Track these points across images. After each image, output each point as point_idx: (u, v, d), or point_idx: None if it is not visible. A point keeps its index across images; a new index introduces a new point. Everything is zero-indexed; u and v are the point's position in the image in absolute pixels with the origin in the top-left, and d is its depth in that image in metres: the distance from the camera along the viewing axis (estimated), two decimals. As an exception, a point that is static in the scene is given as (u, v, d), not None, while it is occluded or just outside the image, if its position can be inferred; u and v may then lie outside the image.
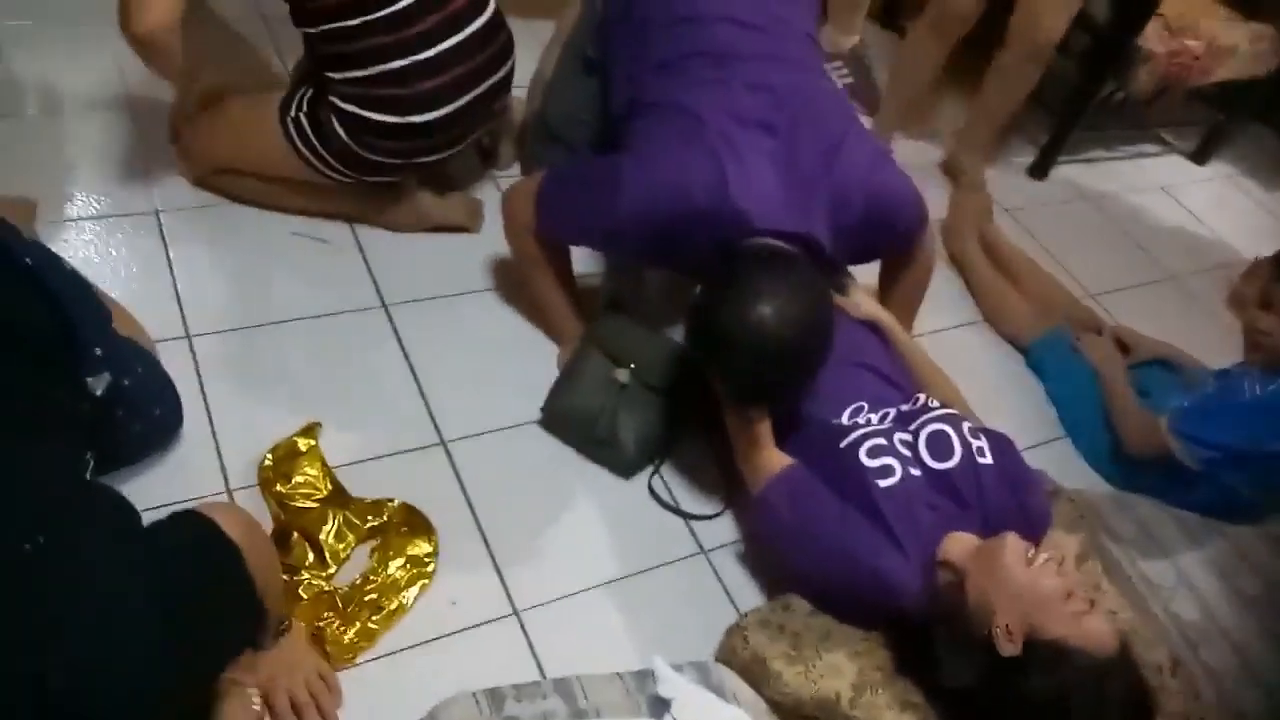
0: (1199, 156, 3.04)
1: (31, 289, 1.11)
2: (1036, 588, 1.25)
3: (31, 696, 0.83)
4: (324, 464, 1.46)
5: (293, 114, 1.68)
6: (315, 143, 1.68)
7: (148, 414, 1.36)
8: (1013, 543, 1.31)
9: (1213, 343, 2.16)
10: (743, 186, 1.45)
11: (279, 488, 1.41)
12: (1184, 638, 1.59)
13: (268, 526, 1.37)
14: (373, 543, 1.42)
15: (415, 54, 1.62)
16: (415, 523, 1.44)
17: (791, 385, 1.48)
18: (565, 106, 1.87)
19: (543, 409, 1.64)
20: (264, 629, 1.16)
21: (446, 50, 1.65)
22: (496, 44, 1.74)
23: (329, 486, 1.44)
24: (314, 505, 1.41)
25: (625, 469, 1.63)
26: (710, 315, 1.42)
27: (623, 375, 1.64)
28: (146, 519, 1.33)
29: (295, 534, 1.37)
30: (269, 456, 1.44)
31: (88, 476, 1.13)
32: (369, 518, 1.42)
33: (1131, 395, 1.90)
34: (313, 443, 1.48)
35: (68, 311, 1.14)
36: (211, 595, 1.01)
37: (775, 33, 1.61)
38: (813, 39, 1.70)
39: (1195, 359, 2.04)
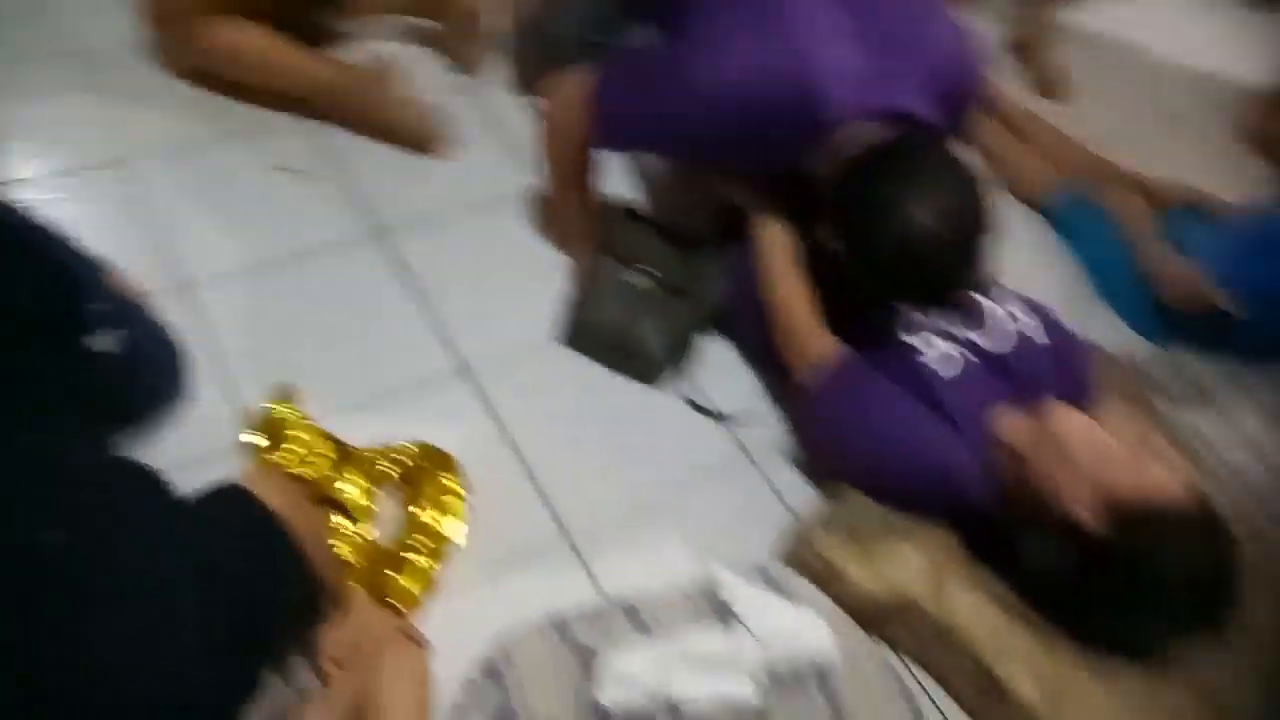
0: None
1: (21, 254, 1.02)
2: (1099, 455, 1.20)
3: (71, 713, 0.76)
4: (312, 424, 1.34)
5: None
6: None
7: (156, 365, 1.28)
8: (1065, 414, 1.26)
9: (1227, 183, 2.06)
10: (827, 65, 1.30)
11: (274, 460, 1.28)
12: (1246, 491, 1.55)
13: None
14: (396, 488, 1.35)
15: None
16: (435, 458, 1.35)
17: (971, 272, 1.36)
18: (569, 25, 1.72)
19: (562, 325, 1.56)
20: (325, 604, 1.10)
21: None
22: None
23: (326, 445, 1.32)
24: (319, 465, 1.29)
25: (654, 375, 1.56)
26: (865, 240, 1.29)
27: (642, 281, 1.55)
28: (178, 481, 1.28)
29: (315, 500, 1.29)
30: (250, 432, 1.32)
31: (106, 446, 1.05)
32: (385, 463, 1.34)
33: (1164, 247, 1.82)
34: (292, 404, 1.36)
35: (61, 273, 1.05)
36: (265, 581, 0.94)
37: None
38: None
39: (1222, 200, 1.96)
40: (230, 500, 0.98)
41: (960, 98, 1.45)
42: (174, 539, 0.86)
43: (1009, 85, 2.31)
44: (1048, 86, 2.36)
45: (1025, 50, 2.42)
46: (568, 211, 1.64)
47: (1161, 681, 1.24)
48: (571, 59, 1.68)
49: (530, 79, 1.88)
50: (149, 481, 0.95)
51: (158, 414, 1.31)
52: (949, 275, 1.32)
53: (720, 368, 1.62)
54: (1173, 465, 1.27)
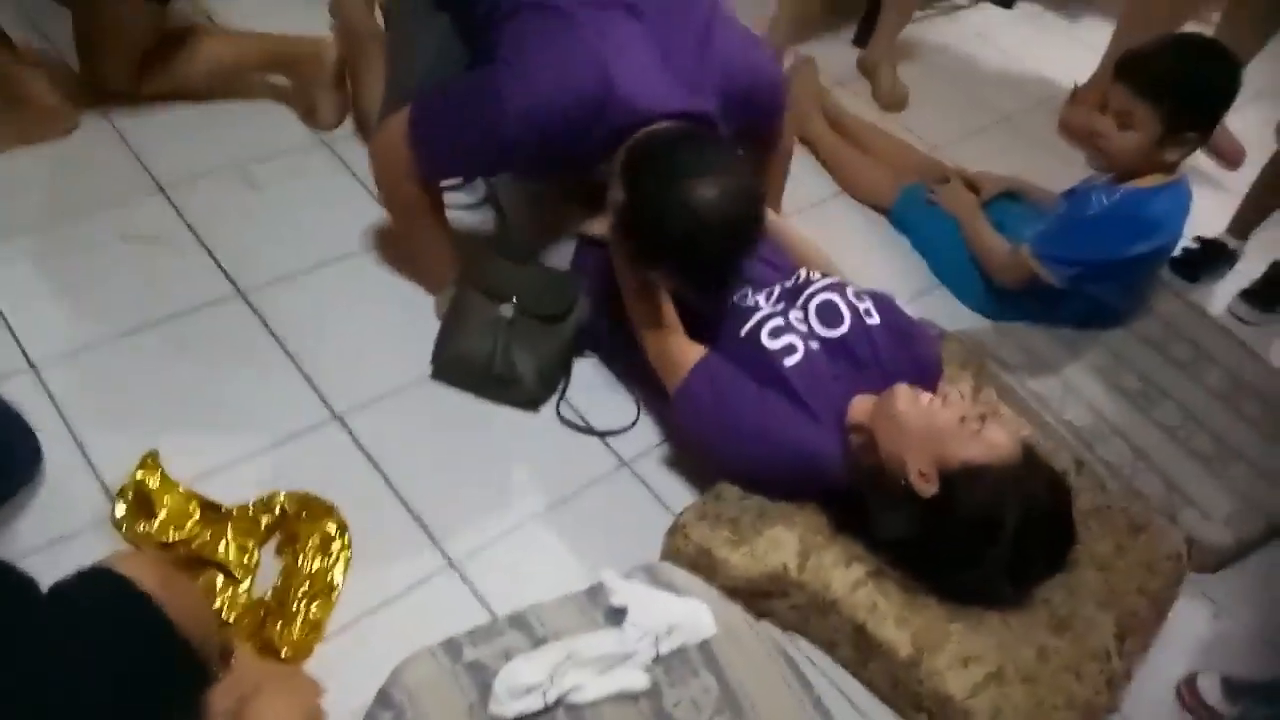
0: (1006, 0, 3.16)
1: None
2: (932, 424, 1.30)
3: None
4: (182, 489, 1.35)
5: None
6: None
7: (5, 452, 1.26)
8: (901, 391, 1.36)
9: (1054, 171, 2.26)
10: (626, 72, 1.40)
11: (145, 530, 1.29)
12: (1080, 440, 1.69)
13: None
14: (275, 541, 1.35)
15: None
16: (312, 505, 1.36)
17: (747, 255, 1.43)
18: (420, 70, 1.72)
19: (433, 360, 1.59)
20: (209, 680, 1.08)
21: None
22: None
23: (197, 508, 1.33)
24: (193, 531, 1.30)
25: (530, 402, 1.60)
26: (651, 212, 1.35)
27: (507, 310, 1.59)
28: (39, 560, 1.25)
29: (194, 566, 1.28)
30: (118, 504, 1.31)
31: None
32: (261, 518, 1.34)
33: (990, 231, 1.98)
34: (158, 472, 1.35)
35: None
36: (143, 665, 0.91)
37: None
38: None
39: (1039, 186, 2.14)
40: (99, 585, 0.94)
41: (754, 102, 1.57)
42: (38, 637, 0.83)
43: (855, 102, 2.48)
44: (890, 101, 2.54)
45: (870, 70, 2.60)
46: (419, 246, 1.68)
47: (1020, 618, 1.34)
48: None
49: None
50: (6, 581, 0.92)
51: (9, 496, 1.28)
52: (731, 250, 1.39)
53: (593, 384, 1.67)
54: (1003, 424, 1.38)
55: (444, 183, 1.66)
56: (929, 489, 1.28)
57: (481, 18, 1.52)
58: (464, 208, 1.87)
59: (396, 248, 1.77)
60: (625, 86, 1.40)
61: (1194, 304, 2.07)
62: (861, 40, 2.76)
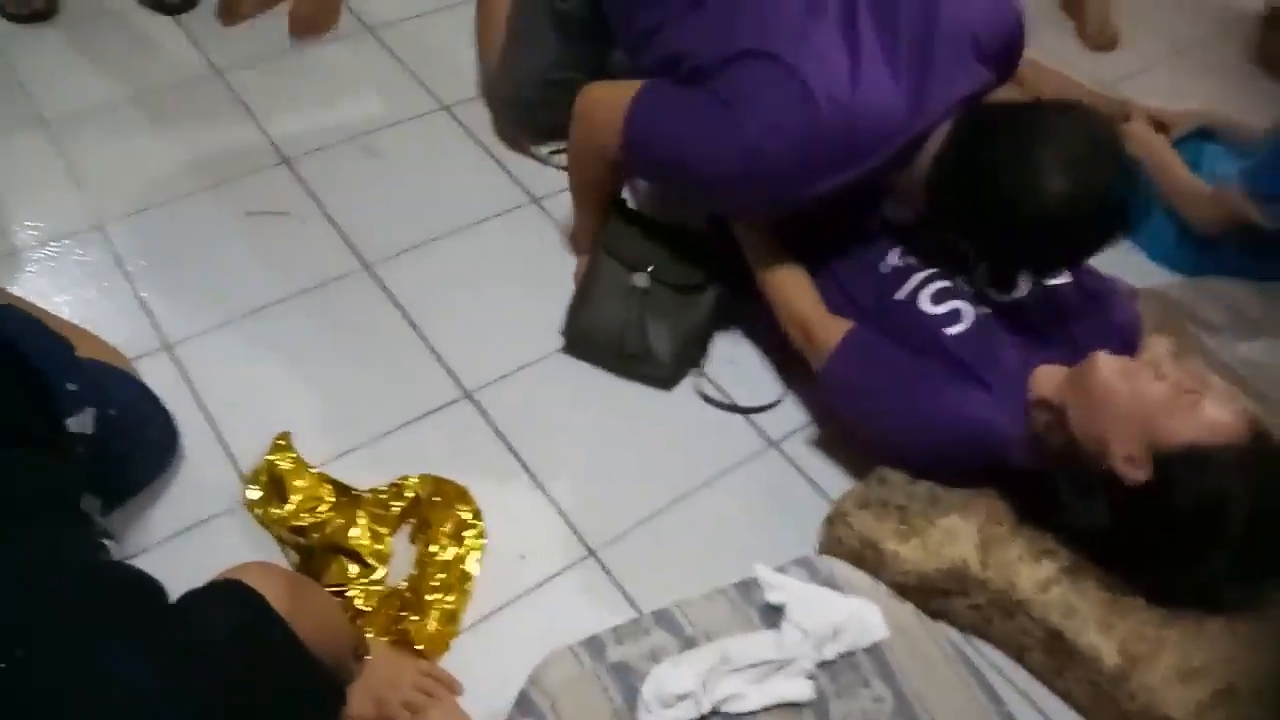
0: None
1: None
2: (1143, 400, 1.12)
3: None
4: (314, 471, 1.29)
5: None
6: None
7: (142, 438, 1.23)
8: (1102, 360, 1.17)
9: (1251, 107, 1.97)
10: (871, 103, 1.21)
11: (279, 514, 1.25)
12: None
13: (283, 563, 1.23)
14: (409, 527, 1.28)
15: None
16: (445, 490, 1.29)
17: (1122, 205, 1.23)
18: (539, 69, 1.66)
19: (563, 333, 1.49)
20: (342, 695, 1.03)
21: None
22: None
23: (330, 491, 1.27)
24: (326, 515, 1.25)
25: (666, 380, 1.49)
26: (1010, 215, 1.19)
27: (640, 279, 1.47)
28: (173, 547, 1.21)
29: (326, 554, 1.23)
30: (251, 488, 1.27)
31: (97, 539, 0.98)
32: (392, 504, 1.28)
33: (1185, 169, 1.74)
34: (291, 455, 1.30)
35: (30, 361, 0.99)
36: (268, 688, 0.84)
37: None
38: None
39: (1238, 121, 1.87)
40: (230, 601, 0.88)
41: (1009, 51, 1.36)
42: (155, 650, 0.77)
43: (1055, 39, 2.23)
44: (1100, 40, 2.28)
45: (1077, 3, 2.34)
46: (580, 211, 1.57)
47: (1250, 626, 1.15)
48: (548, 102, 1.65)
49: (515, 128, 1.82)
50: (135, 590, 0.86)
51: (149, 482, 1.25)
52: (1098, 228, 1.21)
53: (734, 357, 1.54)
54: (1223, 398, 1.18)
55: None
56: (1140, 475, 1.10)
57: (662, 61, 1.36)
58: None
59: (525, 215, 1.68)
60: (877, 121, 1.22)
61: None
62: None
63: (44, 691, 0.71)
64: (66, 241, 1.58)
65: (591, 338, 1.48)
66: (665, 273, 1.48)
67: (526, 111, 1.75)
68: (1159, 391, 1.12)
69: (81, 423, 1.07)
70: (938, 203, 1.26)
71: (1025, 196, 1.16)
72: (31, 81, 1.83)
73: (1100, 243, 1.24)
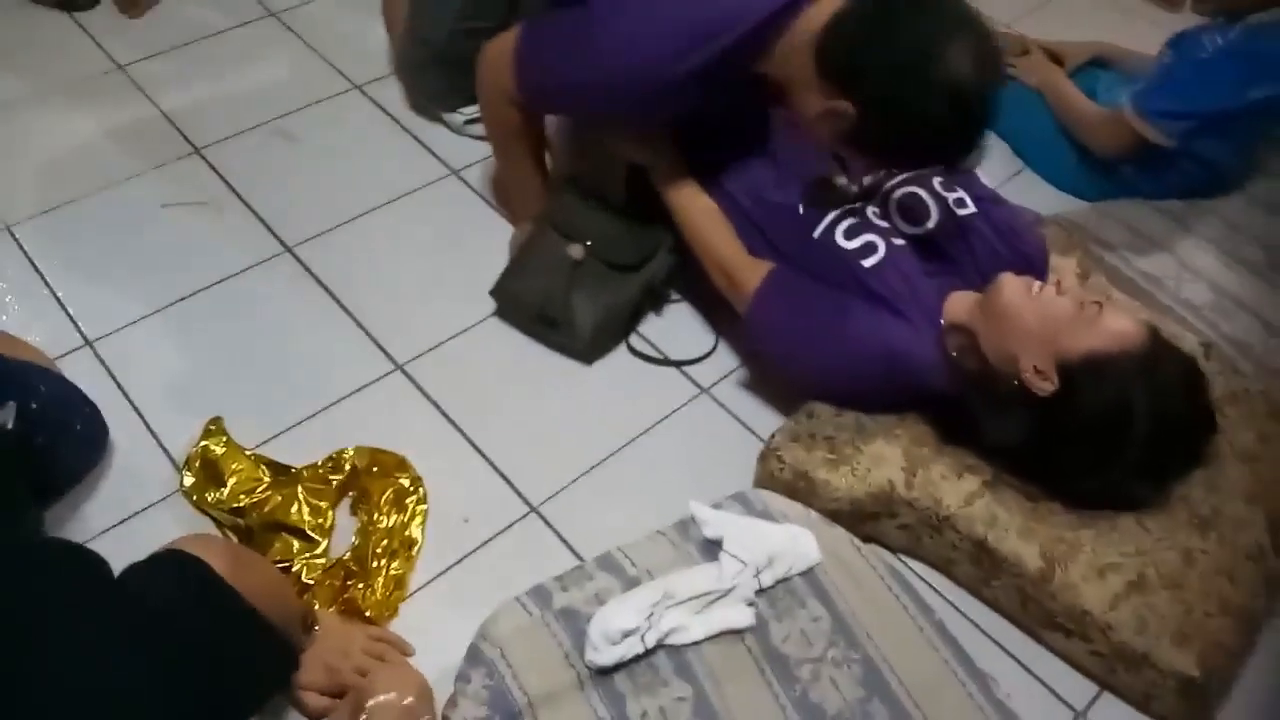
0: None
1: None
2: (1047, 315, 1.17)
3: None
4: (249, 454, 1.30)
5: None
6: None
7: (69, 431, 1.22)
8: (1008, 281, 1.23)
9: (1143, 37, 2.04)
10: None
11: (216, 498, 1.25)
12: (1203, 320, 1.54)
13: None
14: (349, 500, 1.30)
15: None
16: (381, 460, 1.31)
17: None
18: (447, 21, 1.65)
19: (492, 292, 1.50)
20: (294, 656, 1.05)
21: None
22: None
23: (266, 472, 1.28)
24: (264, 495, 1.25)
25: (583, 353, 1.49)
26: (905, 96, 1.14)
27: (576, 251, 1.47)
28: (112, 539, 1.21)
29: (268, 532, 1.23)
30: (186, 475, 1.27)
31: (33, 525, 0.98)
32: (330, 477, 1.29)
33: (1081, 96, 1.81)
34: (223, 439, 1.30)
35: None
36: (228, 649, 0.86)
37: None
38: None
39: (1129, 49, 1.94)
40: (172, 570, 0.90)
41: None
42: (116, 623, 0.78)
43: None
44: None
45: None
46: (509, 173, 1.58)
47: (1158, 520, 1.22)
48: (458, 56, 1.61)
49: (435, 93, 1.81)
50: (81, 566, 0.86)
51: (81, 476, 1.25)
52: (984, 121, 1.20)
53: (667, 315, 1.57)
54: (1121, 310, 1.24)
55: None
56: (1047, 387, 1.15)
57: None
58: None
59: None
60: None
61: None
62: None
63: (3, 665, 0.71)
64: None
65: (519, 299, 1.49)
66: (601, 249, 1.49)
67: (437, 69, 1.74)
68: (1061, 306, 1.17)
69: (2, 417, 1.06)
70: (828, 74, 1.20)
71: (928, 68, 1.12)
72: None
73: (974, 139, 1.23)
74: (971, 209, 1.40)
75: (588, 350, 1.49)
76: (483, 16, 1.61)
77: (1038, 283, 1.22)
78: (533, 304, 1.47)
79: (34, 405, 1.12)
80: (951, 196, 1.40)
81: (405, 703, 1.07)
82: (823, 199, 1.42)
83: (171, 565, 0.89)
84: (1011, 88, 1.90)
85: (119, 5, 1.97)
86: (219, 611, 0.88)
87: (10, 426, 1.07)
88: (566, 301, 1.46)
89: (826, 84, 1.21)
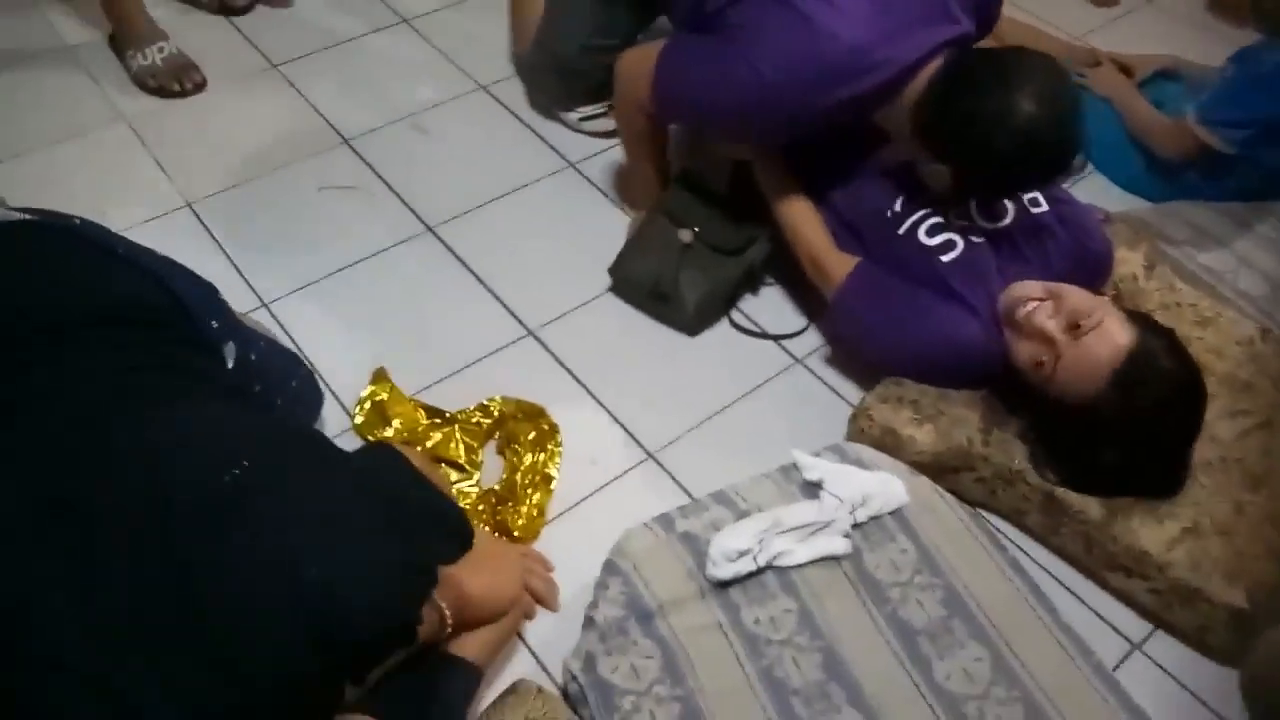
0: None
1: (135, 271, 1.09)
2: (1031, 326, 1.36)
3: (287, 586, 0.81)
4: (410, 400, 1.49)
5: None
6: None
7: (284, 387, 1.34)
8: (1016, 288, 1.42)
9: (1209, 52, 2.17)
10: (859, 34, 1.38)
11: (385, 436, 1.44)
12: (1259, 309, 1.67)
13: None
14: (495, 440, 1.50)
15: None
16: (525, 408, 1.50)
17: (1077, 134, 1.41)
18: (577, 37, 1.84)
19: (610, 269, 1.70)
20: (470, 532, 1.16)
21: None
22: None
23: (424, 415, 1.47)
24: (424, 433, 1.45)
25: (688, 326, 1.67)
26: (985, 143, 1.35)
27: (685, 235, 1.67)
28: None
29: (428, 464, 1.40)
30: (358, 414, 1.47)
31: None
32: (480, 420, 1.49)
33: (1148, 105, 1.95)
34: (388, 385, 1.50)
35: (174, 287, 1.11)
36: (420, 503, 1.03)
37: None
38: None
39: (1196, 62, 2.07)
40: (380, 454, 1.09)
41: (987, 4, 1.57)
42: (344, 473, 0.97)
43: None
44: None
45: None
46: (632, 167, 1.78)
47: (1214, 478, 1.36)
48: (584, 68, 1.86)
49: (556, 96, 2.01)
50: (313, 436, 1.07)
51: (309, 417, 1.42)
52: (1063, 147, 1.39)
53: (765, 296, 1.76)
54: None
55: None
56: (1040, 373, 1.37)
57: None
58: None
59: (564, 178, 1.89)
60: (867, 50, 1.39)
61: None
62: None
63: (270, 493, 0.85)
64: (161, 219, 1.79)
65: (634, 276, 1.69)
66: (708, 234, 1.68)
67: (560, 76, 1.94)
68: (1050, 326, 1.34)
69: (225, 355, 1.16)
70: (925, 131, 1.43)
71: (1001, 118, 1.32)
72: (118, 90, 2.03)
73: (1059, 164, 1.42)
74: (1044, 207, 1.54)
75: (693, 323, 1.68)
76: (611, 36, 1.81)
77: (1032, 303, 1.38)
78: (646, 281, 1.67)
79: (253, 357, 1.21)
80: (1027, 196, 1.55)
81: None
82: (910, 201, 1.58)
83: (384, 452, 1.08)
84: (1082, 97, 2.05)
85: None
86: (426, 486, 1.06)
87: (230, 366, 1.17)
88: (675, 279, 1.65)
89: (925, 150, 1.44)
